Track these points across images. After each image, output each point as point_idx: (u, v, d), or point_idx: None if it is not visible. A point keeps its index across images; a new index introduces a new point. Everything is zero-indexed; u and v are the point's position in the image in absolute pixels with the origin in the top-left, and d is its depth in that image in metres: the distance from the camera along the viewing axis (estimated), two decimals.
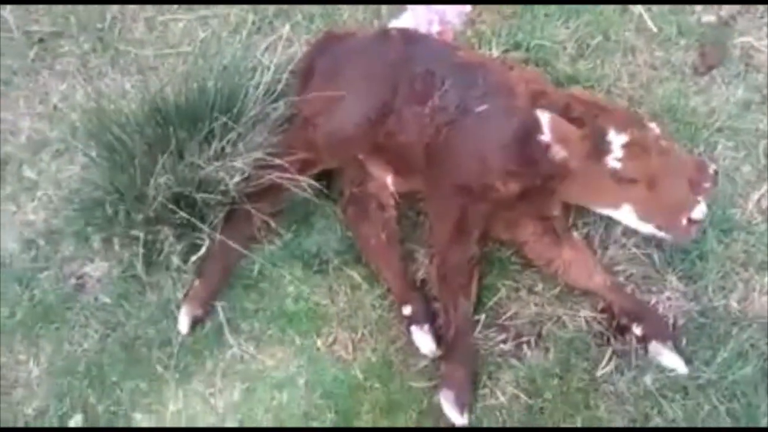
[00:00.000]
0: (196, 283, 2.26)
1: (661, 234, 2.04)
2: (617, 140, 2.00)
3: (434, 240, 2.26)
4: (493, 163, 2.14)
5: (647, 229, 2.05)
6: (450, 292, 2.13)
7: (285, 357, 2.21)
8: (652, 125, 2.05)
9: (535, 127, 2.05)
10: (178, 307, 2.25)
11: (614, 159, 2.00)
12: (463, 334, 2.10)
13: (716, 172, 2.11)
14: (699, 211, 1.98)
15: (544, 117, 2.04)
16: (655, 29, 2.77)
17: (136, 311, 2.29)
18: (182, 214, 2.17)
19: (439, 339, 2.15)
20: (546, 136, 2.03)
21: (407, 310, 2.18)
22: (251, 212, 2.26)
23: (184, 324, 2.22)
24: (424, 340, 2.14)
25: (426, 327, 2.15)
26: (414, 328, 2.16)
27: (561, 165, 2.06)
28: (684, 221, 1.99)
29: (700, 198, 2.00)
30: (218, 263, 2.27)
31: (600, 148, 2.01)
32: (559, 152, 2.04)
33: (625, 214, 2.06)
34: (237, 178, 2.19)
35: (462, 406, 2.02)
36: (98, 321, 2.29)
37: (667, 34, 2.76)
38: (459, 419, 2.02)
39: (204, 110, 2.23)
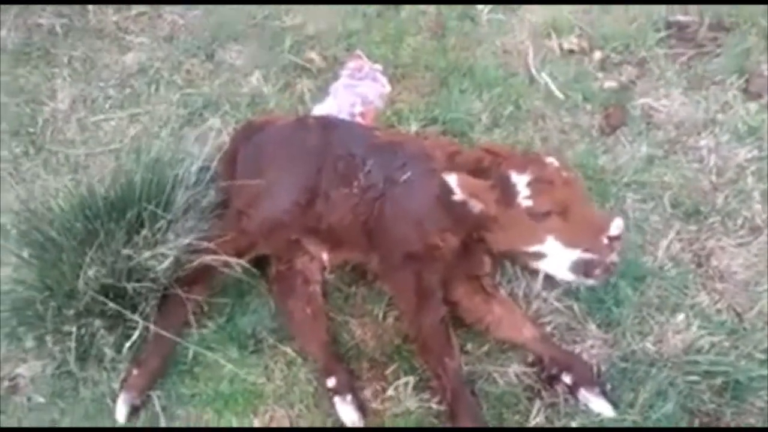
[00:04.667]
0: (134, 371, 2.25)
1: (588, 257, 2.11)
2: (521, 180, 2.14)
3: (402, 313, 2.30)
4: (428, 223, 2.24)
5: (575, 255, 2.13)
6: (435, 358, 2.14)
7: None
8: (550, 159, 2.20)
9: (449, 188, 2.18)
10: (113, 400, 2.23)
11: (524, 198, 2.13)
12: (461, 394, 2.10)
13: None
14: (616, 227, 2.09)
15: (452, 178, 2.17)
16: (562, 97, 2.98)
17: (70, 408, 2.26)
18: (112, 305, 2.19)
19: (362, 409, 2.17)
20: (458, 195, 2.15)
21: (331, 382, 2.20)
22: (184, 298, 2.29)
23: (121, 413, 2.20)
24: (346, 411, 2.16)
25: (348, 398, 2.17)
26: (337, 399, 2.17)
27: (482, 216, 2.18)
28: (605, 240, 2.09)
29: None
30: (155, 351, 2.27)
31: (508, 193, 2.14)
32: (475, 206, 2.16)
33: (551, 247, 2.15)
34: (165, 264, 2.23)
35: None
36: (31, 421, 2.24)
37: (574, 100, 2.97)
38: None
39: (132, 201, 2.29)
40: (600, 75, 3.06)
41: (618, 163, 2.73)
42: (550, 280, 2.35)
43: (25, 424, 2.24)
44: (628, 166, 2.70)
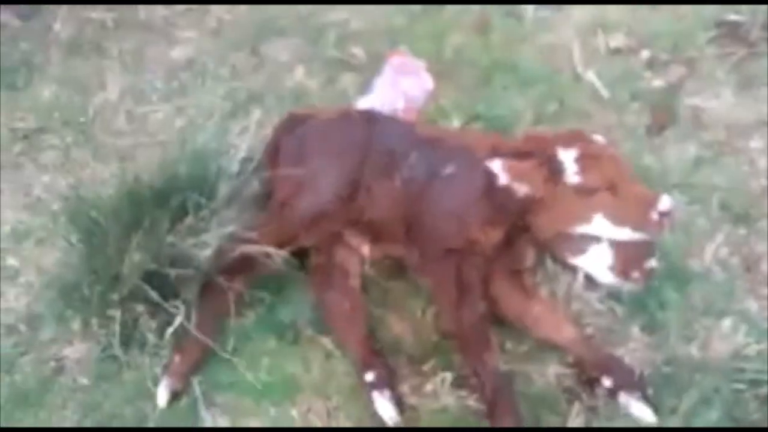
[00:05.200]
0: (176, 358, 2.29)
1: (638, 236, 2.09)
2: (568, 156, 2.11)
3: (441, 309, 2.29)
4: (470, 217, 2.23)
5: (625, 234, 2.10)
6: (474, 354, 2.13)
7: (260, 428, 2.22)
8: (597, 137, 2.16)
9: (494, 174, 2.17)
10: (154, 384, 2.27)
11: (572, 174, 2.10)
12: (501, 390, 2.07)
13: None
14: (665, 202, 2.05)
15: (496, 164, 2.16)
16: (607, 96, 2.94)
17: (113, 390, 2.30)
18: (155, 291, 2.23)
19: (400, 404, 2.15)
20: (503, 179, 2.14)
21: (370, 377, 2.19)
22: (226, 288, 2.32)
23: (162, 398, 2.23)
24: (385, 407, 2.14)
25: (387, 393, 2.15)
26: (375, 394, 2.16)
27: (527, 200, 2.16)
28: (655, 216, 2.05)
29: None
30: (197, 339, 2.30)
31: (555, 170, 2.12)
32: (520, 188, 2.15)
33: (600, 225, 2.12)
34: (208, 252, 2.26)
35: None
36: (76, 403, 2.29)
37: (620, 99, 2.92)
38: None
39: (176, 190, 2.32)
40: (647, 74, 3.01)
41: (665, 164, 2.68)
42: (591, 282, 2.32)
43: (70, 404, 2.29)
44: (675, 168, 2.65)
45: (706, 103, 2.86)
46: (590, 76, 3.00)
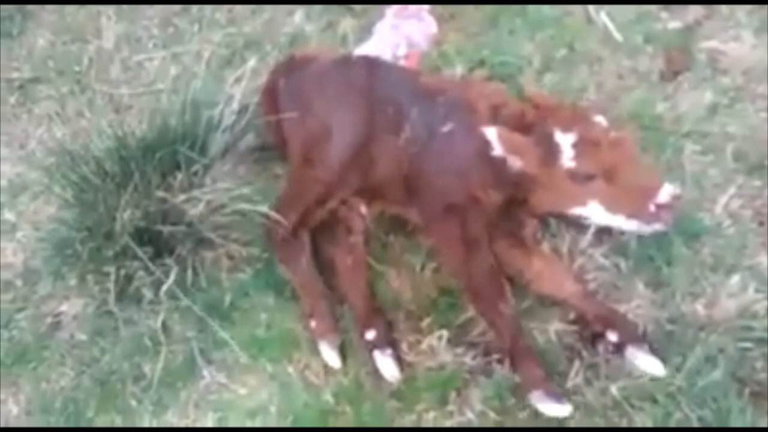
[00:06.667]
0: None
1: (633, 224, 2.00)
2: (565, 140, 2.01)
3: (449, 266, 2.22)
4: (471, 176, 2.14)
5: (619, 221, 2.02)
6: (488, 305, 2.08)
7: (257, 385, 2.20)
8: (599, 118, 2.06)
9: (489, 143, 2.07)
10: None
11: (568, 159, 2.01)
12: (519, 337, 2.03)
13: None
14: (665, 194, 1.95)
15: (491, 132, 2.06)
16: (620, 39, 2.78)
17: (110, 347, 2.30)
18: (148, 247, 2.20)
19: (401, 363, 2.12)
20: (498, 151, 2.05)
21: (370, 335, 2.15)
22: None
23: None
24: (386, 365, 2.11)
25: (388, 352, 2.12)
26: (377, 353, 2.13)
27: (522, 175, 2.07)
28: (652, 207, 1.96)
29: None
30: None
31: (551, 152, 2.02)
32: (515, 163, 2.06)
33: (594, 211, 2.04)
34: (200, 208, 2.21)
35: (557, 397, 1.94)
36: (74, 358, 2.31)
37: (633, 42, 2.77)
38: (562, 410, 1.94)
39: (166, 143, 2.26)
40: (663, 15, 2.83)
41: (678, 111, 2.54)
42: (598, 236, 2.23)
43: (68, 360, 2.31)
44: (688, 115, 2.51)
45: (725, 45, 2.70)
46: (603, 17, 2.84)
